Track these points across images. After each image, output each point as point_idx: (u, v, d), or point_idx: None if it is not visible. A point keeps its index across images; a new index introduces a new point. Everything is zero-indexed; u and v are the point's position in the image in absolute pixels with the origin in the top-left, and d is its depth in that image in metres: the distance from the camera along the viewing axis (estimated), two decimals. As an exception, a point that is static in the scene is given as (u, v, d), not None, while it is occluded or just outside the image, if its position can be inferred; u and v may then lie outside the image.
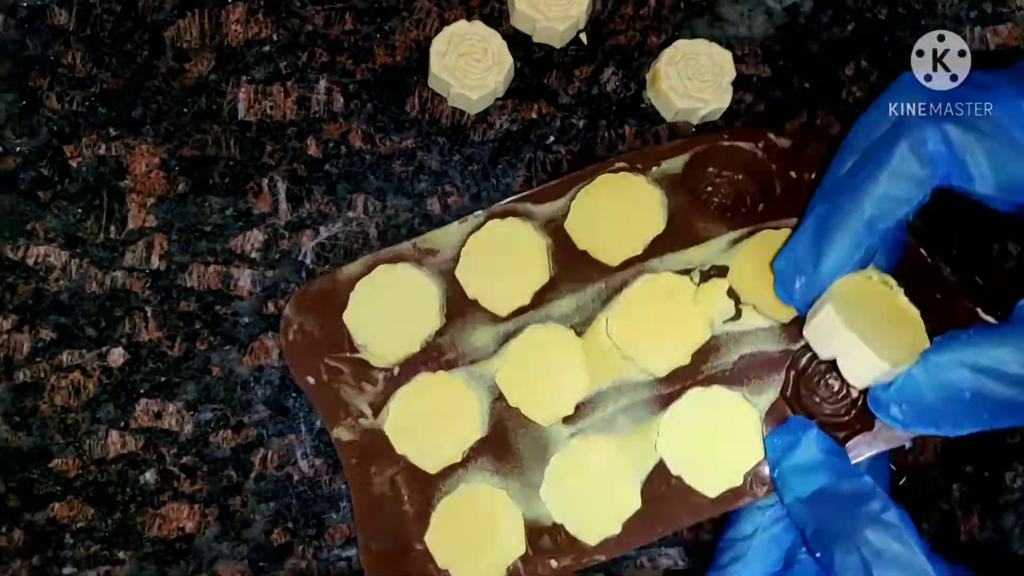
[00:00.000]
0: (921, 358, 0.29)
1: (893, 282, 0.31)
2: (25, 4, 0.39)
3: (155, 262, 0.37)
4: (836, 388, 0.34)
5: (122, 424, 0.36)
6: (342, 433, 0.35)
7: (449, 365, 0.35)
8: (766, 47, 0.41)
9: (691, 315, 0.35)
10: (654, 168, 0.36)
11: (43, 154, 0.38)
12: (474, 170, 0.39)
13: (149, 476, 0.36)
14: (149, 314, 0.37)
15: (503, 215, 0.36)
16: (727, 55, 0.39)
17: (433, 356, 0.35)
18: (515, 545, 0.34)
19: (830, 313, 0.30)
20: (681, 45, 0.39)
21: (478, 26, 0.38)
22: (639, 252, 0.35)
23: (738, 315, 0.35)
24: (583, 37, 0.40)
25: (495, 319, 0.35)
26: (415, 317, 0.35)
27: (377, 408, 0.35)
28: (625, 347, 0.34)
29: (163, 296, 0.37)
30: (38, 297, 0.37)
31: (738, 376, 0.34)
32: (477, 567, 0.34)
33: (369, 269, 0.35)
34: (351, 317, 0.35)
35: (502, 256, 0.35)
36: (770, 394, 0.34)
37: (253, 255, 0.38)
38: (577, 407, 0.35)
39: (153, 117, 0.38)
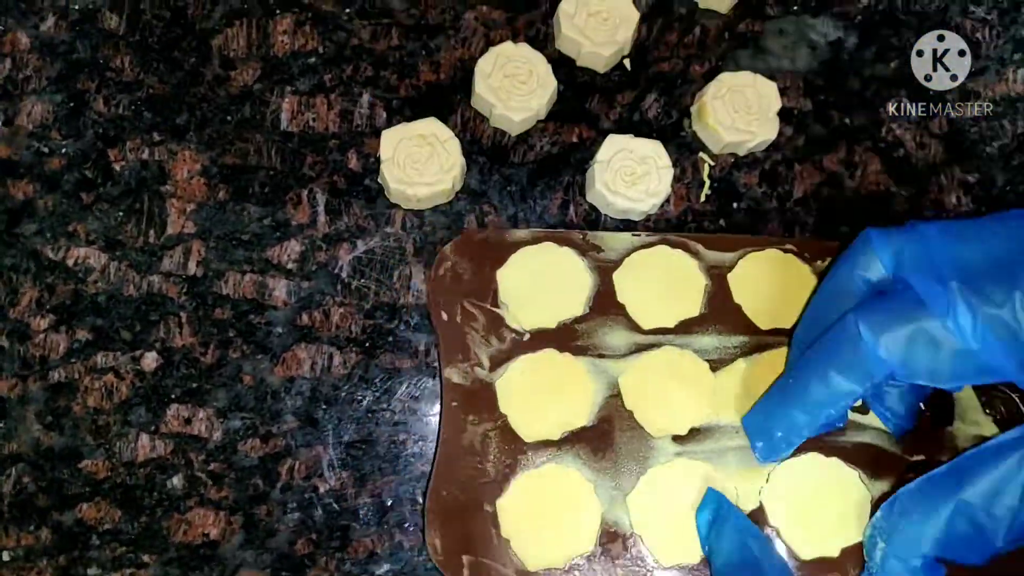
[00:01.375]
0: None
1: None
2: (77, 7, 0.39)
3: (192, 268, 0.38)
4: None
5: (152, 428, 0.36)
6: (453, 374, 0.35)
7: (578, 351, 0.36)
8: (808, 80, 0.41)
9: None
10: (818, 262, 0.37)
11: (87, 156, 0.38)
12: (512, 191, 0.39)
13: (177, 481, 0.36)
14: (184, 320, 0.37)
15: (674, 245, 0.37)
16: (772, 86, 0.39)
17: (566, 337, 0.36)
18: (586, 540, 0.34)
19: None
20: (726, 79, 0.39)
21: (524, 48, 0.38)
22: (787, 326, 0.36)
23: (866, 411, 0.36)
24: (627, 63, 0.40)
25: (635, 328, 0.36)
26: (562, 298, 0.36)
27: (496, 364, 0.36)
28: (758, 391, 0.35)
29: (198, 303, 0.37)
30: (76, 298, 0.37)
31: (855, 457, 0.35)
32: (541, 548, 0.34)
33: (536, 240, 0.37)
34: (505, 275, 0.36)
35: (662, 278, 0.37)
36: (883, 485, 0.35)
37: (289, 266, 0.38)
38: (691, 431, 0.35)
39: (197, 124, 0.39)
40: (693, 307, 0.37)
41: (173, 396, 0.37)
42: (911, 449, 0.35)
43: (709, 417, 0.36)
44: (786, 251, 0.37)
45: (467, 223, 0.38)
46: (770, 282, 0.37)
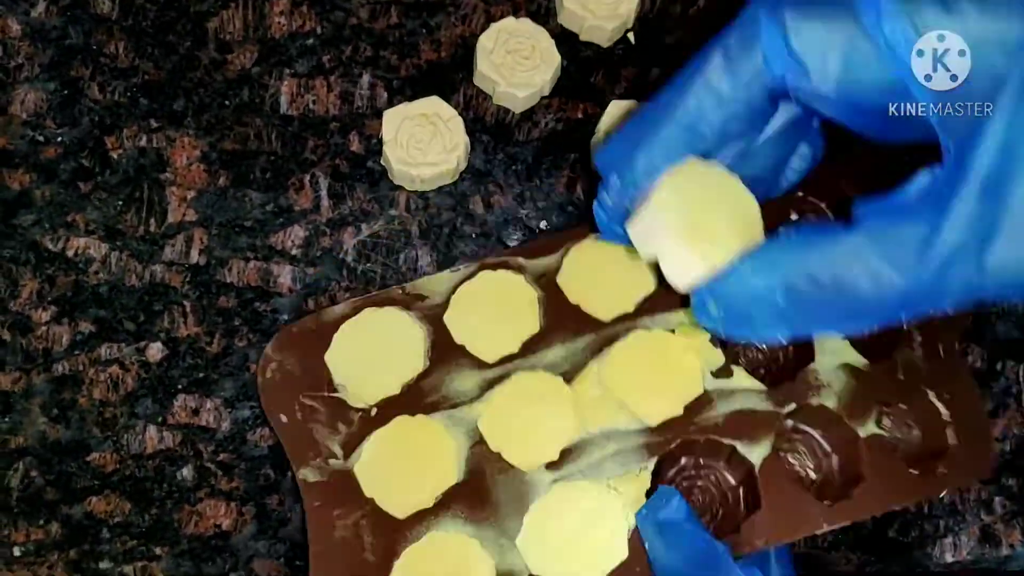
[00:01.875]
0: (740, 258, 0.27)
1: (730, 173, 0.29)
2: (68, -8, 0.38)
3: (195, 256, 0.37)
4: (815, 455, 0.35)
5: (160, 419, 0.36)
6: (308, 474, 0.33)
7: (430, 409, 0.34)
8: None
9: (683, 369, 0.34)
10: None
11: (84, 145, 0.37)
12: (518, 169, 0.38)
13: (186, 472, 0.36)
14: (188, 309, 0.37)
15: (495, 267, 0.35)
16: None
17: (414, 399, 0.34)
18: None
19: (652, 210, 0.28)
20: None
21: (526, 23, 0.38)
22: (631, 310, 0.35)
23: (729, 373, 0.34)
24: (631, 36, 0.39)
25: (481, 365, 0.34)
26: (398, 359, 0.34)
27: (350, 449, 0.33)
28: (619, 394, 0.34)
29: (202, 291, 0.37)
30: (78, 289, 0.36)
31: (729, 430, 0.34)
32: None
33: (356, 311, 0.35)
34: (333, 357, 0.34)
35: (492, 306, 0.35)
36: (762, 449, 0.34)
37: (294, 252, 0.37)
38: (562, 453, 0.33)
39: (195, 109, 0.38)
40: (531, 324, 0.35)
41: (180, 387, 0.36)
42: (781, 401, 0.34)
43: (576, 432, 0.33)
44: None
45: (472, 203, 0.38)
46: (600, 270, 0.35)
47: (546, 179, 0.38)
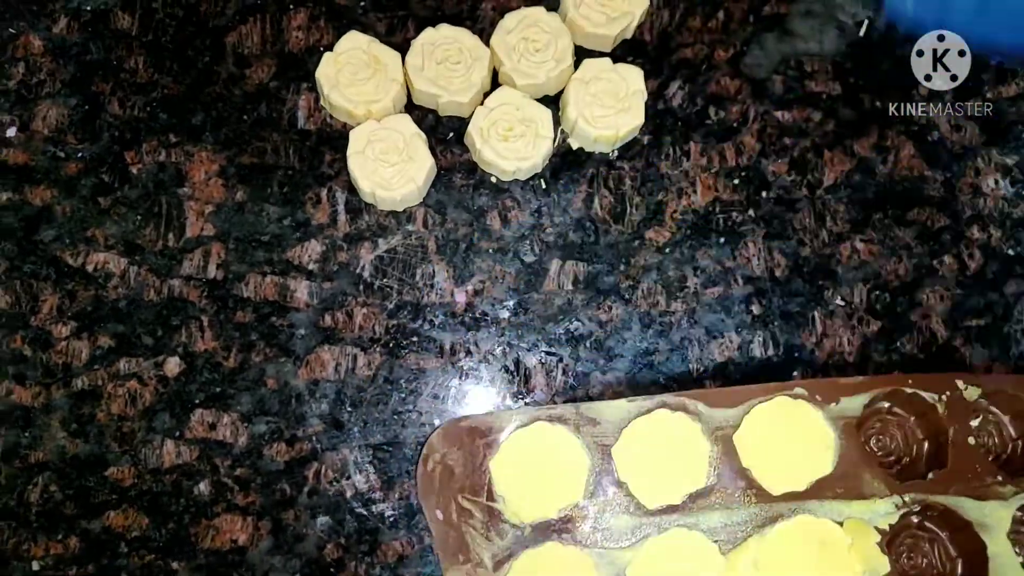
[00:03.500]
0: None
1: None
2: (89, 8, 0.38)
3: (212, 271, 0.37)
4: None
5: (177, 434, 0.36)
6: (455, 575, 0.34)
7: (581, 540, 0.34)
8: (837, 63, 0.39)
9: (844, 567, 0.33)
10: (832, 404, 0.34)
11: (104, 160, 0.37)
12: (535, 185, 0.38)
13: (203, 487, 0.36)
14: (205, 324, 0.37)
15: (674, 407, 0.34)
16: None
17: (567, 527, 0.34)
18: None
19: None
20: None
21: (445, 29, 0.37)
22: (801, 489, 0.34)
23: None
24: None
25: (640, 509, 0.34)
26: (560, 483, 0.34)
27: (499, 563, 0.34)
28: (770, 572, 0.33)
29: (219, 306, 0.37)
30: (97, 304, 0.37)
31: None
32: None
33: (529, 421, 0.34)
34: (498, 465, 0.34)
35: (664, 449, 0.34)
36: None
37: (311, 266, 0.37)
38: None
39: (213, 124, 0.38)
40: (699, 478, 0.34)
41: (197, 401, 0.36)
42: None
43: None
44: (795, 396, 0.34)
45: (489, 219, 0.38)
46: (780, 437, 0.34)
47: (563, 194, 0.38)
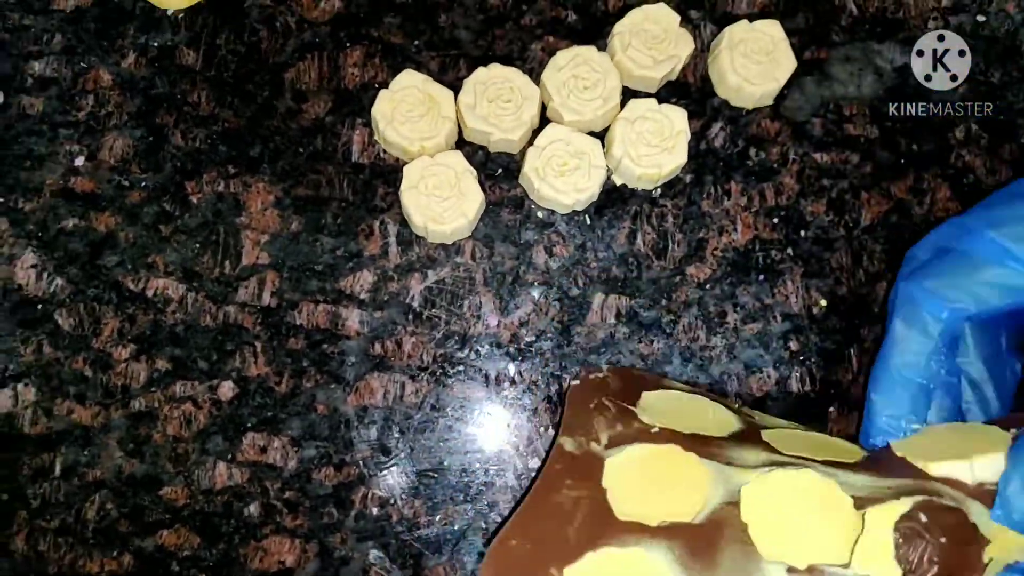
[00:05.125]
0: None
1: None
2: (156, 44, 0.40)
3: (267, 298, 0.38)
4: None
5: (229, 456, 0.37)
6: (567, 442, 0.33)
7: (706, 455, 0.32)
8: (874, 107, 0.41)
9: None
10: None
11: (166, 189, 0.39)
12: (579, 221, 0.39)
13: (253, 509, 0.37)
14: (259, 350, 0.38)
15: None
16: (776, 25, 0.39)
17: (697, 442, 0.32)
18: None
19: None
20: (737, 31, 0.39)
21: (496, 68, 0.39)
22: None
23: None
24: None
25: (775, 452, 0.32)
26: (702, 417, 0.34)
27: (614, 443, 0.32)
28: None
29: (273, 332, 0.38)
30: (155, 328, 0.38)
31: None
32: None
33: (689, 389, 0.36)
34: (651, 396, 0.35)
35: (811, 440, 0.34)
36: None
37: (362, 296, 0.38)
38: (810, 567, 0.29)
39: (270, 156, 0.39)
40: (853, 454, 0.32)
41: (249, 425, 0.37)
42: None
43: (839, 560, 0.29)
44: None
45: (535, 253, 0.39)
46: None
47: (607, 230, 0.39)
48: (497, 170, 0.39)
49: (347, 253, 0.39)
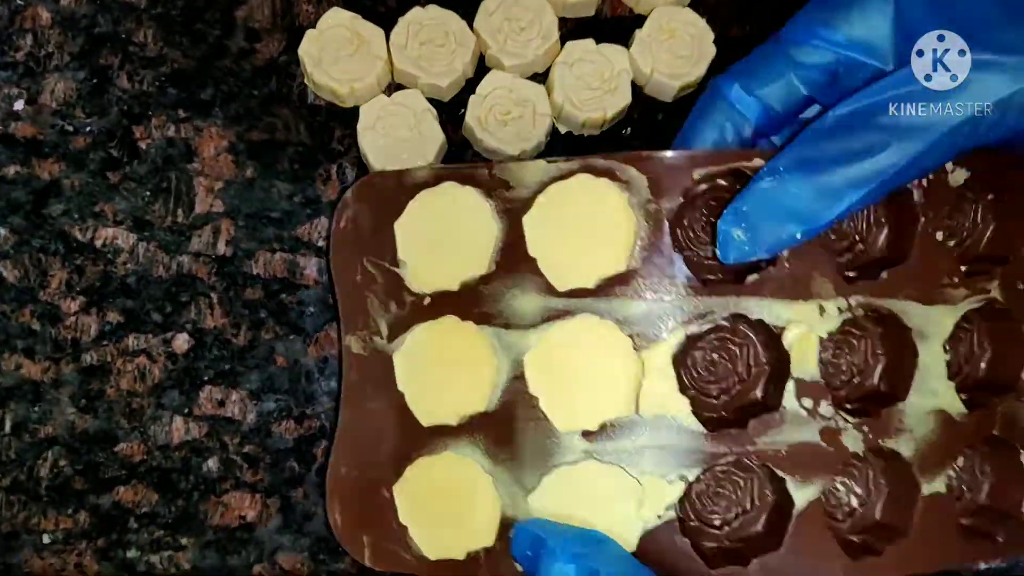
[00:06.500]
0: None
1: None
2: (97, -21, 0.38)
3: (221, 248, 0.37)
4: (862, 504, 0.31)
5: (186, 411, 0.36)
6: (352, 342, 0.32)
7: (483, 319, 0.31)
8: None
9: None
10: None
11: (113, 134, 0.37)
12: (548, 163, 0.38)
13: (212, 464, 0.36)
14: (215, 300, 0.36)
15: (599, 172, 0.30)
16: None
17: (469, 302, 0.31)
18: (485, 534, 0.31)
19: None
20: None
21: (433, 10, 0.37)
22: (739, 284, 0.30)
23: (817, 402, 0.30)
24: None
25: (548, 290, 0.30)
26: (464, 253, 0.31)
27: (395, 333, 0.32)
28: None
29: (229, 283, 0.37)
30: (106, 280, 0.36)
31: (786, 462, 0.30)
32: (438, 538, 0.31)
33: (437, 180, 0.31)
34: (403, 227, 0.32)
35: (582, 222, 0.30)
36: (809, 492, 0.30)
37: (320, 243, 0.37)
38: (602, 425, 0.30)
39: (222, 99, 0.38)
40: (619, 260, 0.29)
41: (206, 378, 0.36)
42: (854, 440, 0.30)
43: (624, 410, 0.29)
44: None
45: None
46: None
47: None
48: (459, 110, 0.38)
49: (304, 199, 0.37)
